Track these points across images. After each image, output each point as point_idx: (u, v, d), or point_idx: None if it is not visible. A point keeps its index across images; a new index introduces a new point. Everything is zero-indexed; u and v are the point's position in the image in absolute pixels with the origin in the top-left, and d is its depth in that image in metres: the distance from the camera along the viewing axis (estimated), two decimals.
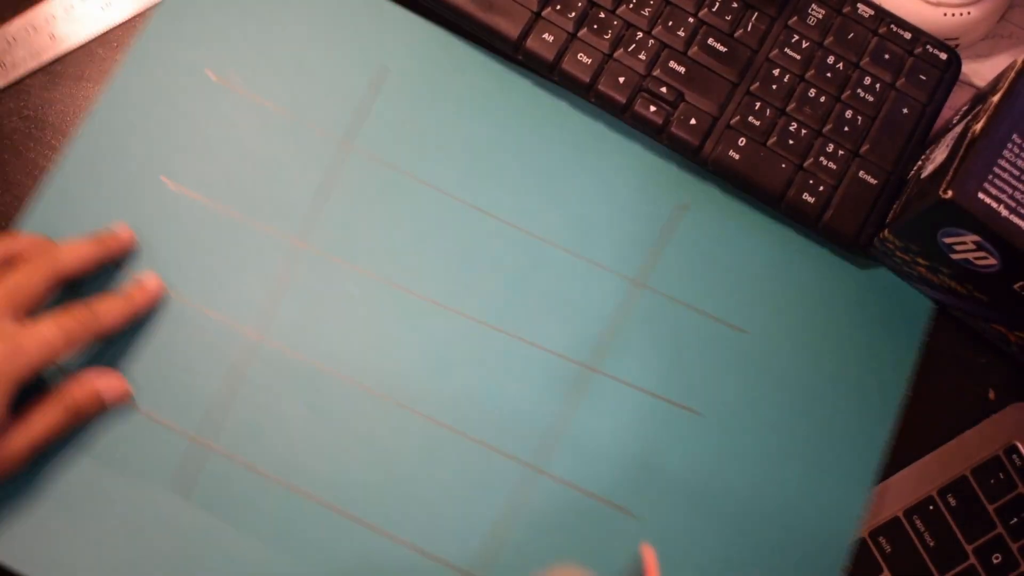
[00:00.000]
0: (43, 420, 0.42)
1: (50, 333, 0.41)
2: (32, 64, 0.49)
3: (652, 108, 0.48)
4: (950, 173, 0.41)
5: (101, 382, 0.44)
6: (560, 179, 0.50)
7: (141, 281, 0.46)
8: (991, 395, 0.49)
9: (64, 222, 0.47)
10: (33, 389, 0.43)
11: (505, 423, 0.46)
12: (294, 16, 0.50)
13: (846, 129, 0.49)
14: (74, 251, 0.44)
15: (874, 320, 0.49)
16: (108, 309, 0.44)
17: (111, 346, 0.46)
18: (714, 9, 0.50)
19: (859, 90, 0.49)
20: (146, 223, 0.47)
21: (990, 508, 0.47)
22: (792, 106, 0.49)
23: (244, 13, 0.50)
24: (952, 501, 0.47)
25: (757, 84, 0.49)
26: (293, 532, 0.45)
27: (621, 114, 0.49)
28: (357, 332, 0.47)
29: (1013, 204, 0.41)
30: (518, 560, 0.45)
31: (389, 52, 0.50)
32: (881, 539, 0.47)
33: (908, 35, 0.50)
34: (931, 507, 0.47)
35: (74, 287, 0.46)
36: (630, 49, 0.49)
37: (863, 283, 0.50)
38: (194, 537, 0.44)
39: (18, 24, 0.49)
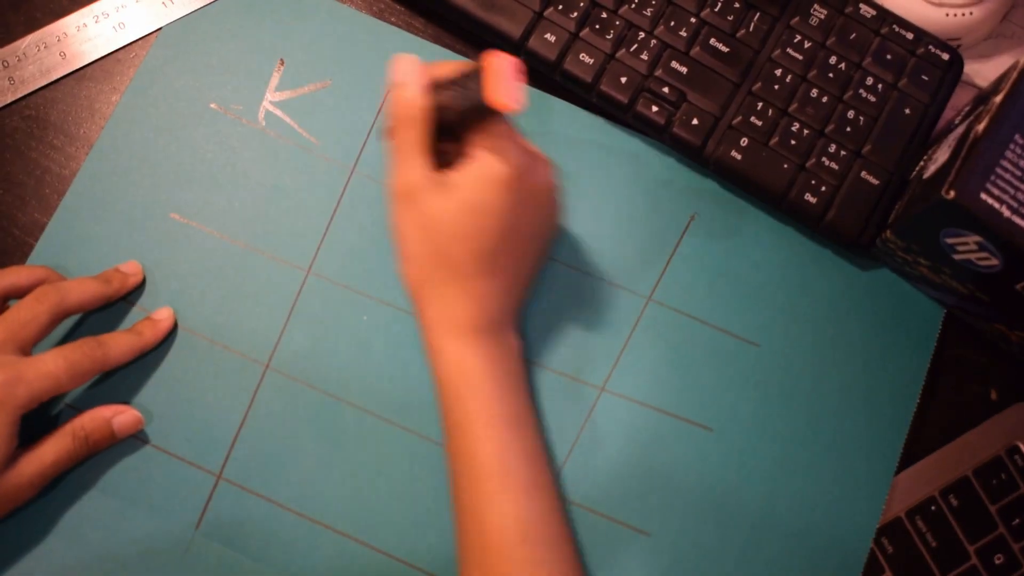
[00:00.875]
0: (52, 448, 0.42)
1: (53, 364, 0.41)
2: (40, 81, 0.49)
3: (654, 108, 0.48)
4: (952, 173, 0.41)
5: (111, 411, 0.44)
6: (566, 197, 0.49)
7: (153, 317, 0.46)
8: (993, 395, 0.49)
9: (71, 255, 0.47)
10: (46, 426, 0.43)
11: None
12: (299, 45, 0.50)
13: (848, 129, 0.48)
14: (80, 288, 0.44)
15: (886, 329, 0.49)
16: (116, 343, 0.44)
17: (120, 378, 0.46)
18: (716, 9, 0.50)
19: (861, 90, 0.49)
20: (152, 254, 0.47)
21: (992, 509, 0.47)
22: (794, 106, 0.49)
23: (244, 45, 0.50)
24: (954, 502, 0.47)
25: (759, 84, 0.49)
26: (306, 560, 0.44)
27: (623, 114, 0.49)
28: (367, 359, 0.47)
29: (1015, 205, 0.41)
30: None
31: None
32: (883, 540, 0.47)
33: (910, 35, 0.50)
34: (933, 508, 0.47)
35: (84, 316, 0.46)
36: (632, 49, 0.49)
37: (873, 292, 0.49)
38: (205, 569, 0.44)
39: (30, 41, 0.49)
